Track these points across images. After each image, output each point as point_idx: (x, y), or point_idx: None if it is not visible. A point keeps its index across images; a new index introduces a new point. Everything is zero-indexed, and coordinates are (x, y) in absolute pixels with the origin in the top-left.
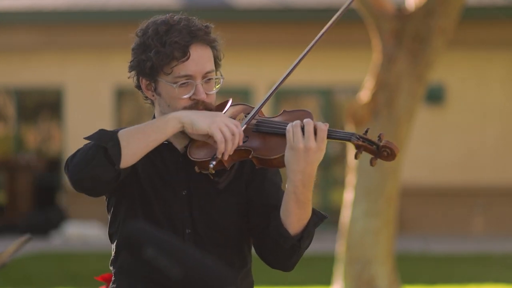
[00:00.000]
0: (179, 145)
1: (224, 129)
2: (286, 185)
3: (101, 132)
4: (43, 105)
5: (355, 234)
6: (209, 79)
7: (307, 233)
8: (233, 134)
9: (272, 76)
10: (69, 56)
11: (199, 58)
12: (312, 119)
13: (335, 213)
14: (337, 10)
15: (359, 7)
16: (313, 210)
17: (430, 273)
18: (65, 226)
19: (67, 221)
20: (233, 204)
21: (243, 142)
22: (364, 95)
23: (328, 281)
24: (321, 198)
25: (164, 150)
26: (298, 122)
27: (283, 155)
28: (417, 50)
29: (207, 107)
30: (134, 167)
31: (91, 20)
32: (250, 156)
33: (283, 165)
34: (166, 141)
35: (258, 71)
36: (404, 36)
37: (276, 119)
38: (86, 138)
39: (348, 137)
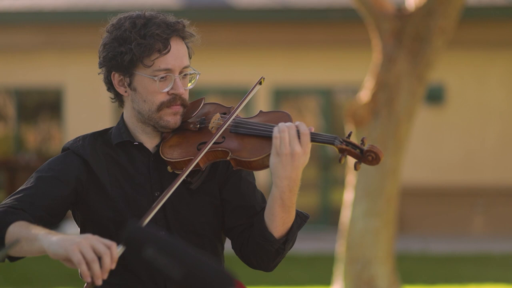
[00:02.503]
0: (149, 144)
1: (85, 250)
2: (272, 190)
3: (2, 214)
4: (43, 105)
5: (355, 234)
6: (186, 74)
7: (291, 235)
8: (99, 256)
9: (272, 76)
10: (69, 56)
11: (177, 52)
12: (291, 121)
13: (335, 213)
14: (337, 10)
15: (359, 7)
16: (296, 212)
17: (430, 273)
18: (65, 226)
19: (67, 221)
20: (207, 204)
21: (220, 143)
22: (364, 95)
23: (328, 281)
24: (321, 198)
25: (133, 150)
26: (284, 127)
27: (263, 158)
28: (417, 50)
29: (184, 103)
30: (92, 177)
31: (91, 20)
32: (228, 158)
33: (262, 168)
34: (136, 141)
35: (258, 71)
36: (404, 36)
37: (252, 120)
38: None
39: (331, 141)
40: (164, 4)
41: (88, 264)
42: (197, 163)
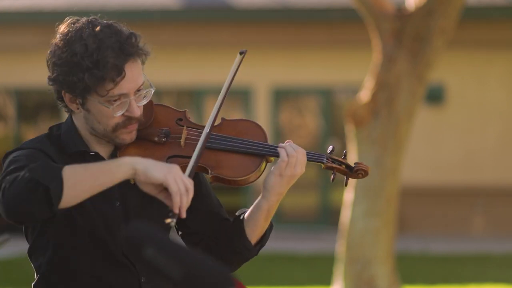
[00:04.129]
0: (104, 153)
1: (179, 182)
2: (260, 203)
3: (45, 165)
4: (43, 105)
5: (355, 234)
6: (141, 92)
7: (265, 241)
8: (186, 190)
9: (272, 76)
10: None
11: (132, 75)
12: (265, 134)
13: (335, 213)
14: (337, 10)
15: (359, 7)
16: None
17: (430, 273)
18: None
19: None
20: (167, 211)
21: (191, 156)
22: (364, 95)
23: (328, 281)
24: (321, 198)
25: (89, 159)
26: (293, 152)
27: (250, 176)
28: (417, 50)
29: (139, 121)
30: None
31: None
32: (208, 175)
33: (244, 184)
34: (92, 151)
35: (258, 71)
36: (404, 36)
37: (221, 131)
38: (29, 170)
39: (320, 159)
40: (164, 4)
41: (180, 195)
42: None
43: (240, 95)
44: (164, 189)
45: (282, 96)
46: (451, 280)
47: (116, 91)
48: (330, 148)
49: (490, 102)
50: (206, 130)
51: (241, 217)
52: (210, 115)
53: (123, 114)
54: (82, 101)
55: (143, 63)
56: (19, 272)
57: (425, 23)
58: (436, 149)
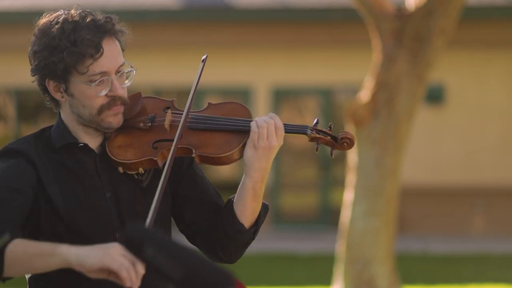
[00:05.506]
0: (93, 144)
1: (119, 259)
2: (244, 181)
3: None
4: (43, 105)
5: (355, 234)
6: (122, 73)
7: (260, 223)
8: (132, 263)
9: (272, 76)
10: None
11: (111, 53)
12: (249, 112)
13: (335, 213)
14: (337, 10)
15: (359, 7)
16: None
17: (430, 273)
18: None
19: None
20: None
21: (179, 139)
22: (364, 95)
23: (328, 281)
24: (321, 198)
25: (78, 152)
26: (263, 123)
27: (233, 152)
28: (417, 50)
29: (124, 101)
30: (41, 185)
31: None
32: (193, 155)
33: (230, 162)
34: (80, 143)
35: (258, 71)
36: (404, 36)
37: (207, 113)
38: None
39: (303, 130)
40: (164, 4)
41: (126, 270)
42: (155, 161)
43: (240, 95)
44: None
45: (282, 96)
46: (451, 280)
47: (96, 68)
48: (315, 120)
49: (490, 102)
50: (185, 111)
51: (231, 200)
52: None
53: (106, 95)
54: (66, 86)
55: (122, 47)
56: None
57: (425, 23)
58: (436, 149)
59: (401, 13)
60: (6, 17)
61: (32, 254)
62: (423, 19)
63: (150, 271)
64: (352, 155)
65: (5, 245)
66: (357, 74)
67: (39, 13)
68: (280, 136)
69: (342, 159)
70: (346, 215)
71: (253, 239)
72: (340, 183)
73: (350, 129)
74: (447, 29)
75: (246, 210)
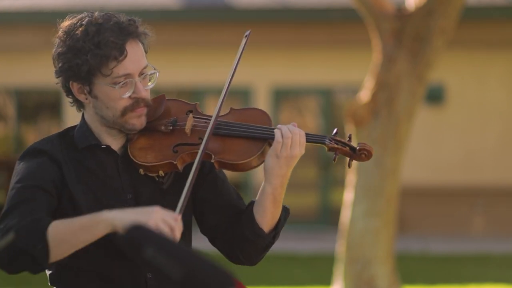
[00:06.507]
0: (115, 146)
1: (162, 226)
2: (264, 187)
3: (31, 228)
4: (43, 105)
5: (355, 234)
6: (145, 75)
7: (280, 228)
8: (171, 229)
9: (272, 76)
10: None
11: (135, 55)
12: (270, 120)
13: (335, 213)
14: (337, 10)
15: (359, 7)
16: None
17: (430, 273)
18: None
19: None
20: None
21: (198, 144)
22: (364, 95)
23: (328, 281)
24: (321, 198)
25: (100, 153)
26: (288, 133)
27: (252, 160)
28: (417, 50)
29: (147, 103)
30: (64, 184)
31: None
32: (212, 160)
33: (248, 169)
34: (103, 144)
35: (258, 71)
36: (404, 36)
37: (228, 119)
38: (16, 232)
39: (322, 140)
40: (164, 4)
41: None
42: (175, 165)
43: (240, 95)
44: None
45: (282, 96)
46: (451, 280)
47: (120, 70)
48: (334, 130)
49: (490, 102)
50: (213, 118)
51: (252, 205)
52: (211, 113)
53: (130, 97)
54: (89, 88)
55: (145, 49)
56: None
57: (425, 23)
58: (436, 149)
59: (401, 13)
60: (6, 17)
61: (76, 229)
62: (423, 19)
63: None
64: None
65: (11, 241)
66: (357, 74)
67: (39, 13)
68: (303, 146)
69: (342, 159)
70: (346, 215)
71: (273, 243)
72: (340, 183)
73: (350, 129)
74: (447, 29)
75: (266, 215)
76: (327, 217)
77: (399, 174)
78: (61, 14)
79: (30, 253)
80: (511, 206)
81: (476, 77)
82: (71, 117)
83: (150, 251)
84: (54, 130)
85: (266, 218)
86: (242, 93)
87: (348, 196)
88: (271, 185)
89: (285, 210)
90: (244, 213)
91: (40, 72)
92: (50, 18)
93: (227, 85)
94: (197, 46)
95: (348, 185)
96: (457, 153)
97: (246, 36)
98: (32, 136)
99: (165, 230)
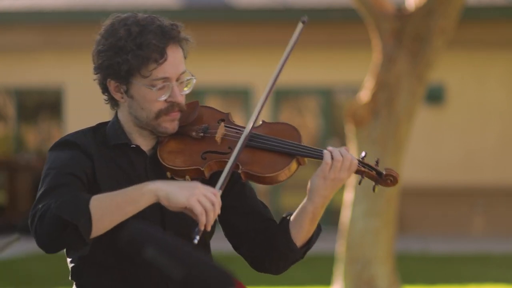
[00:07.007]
0: (145, 147)
1: (203, 200)
2: (305, 205)
3: (73, 199)
4: (43, 105)
5: (355, 234)
6: (182, 80)
7: (312, 244)
8: (212, 204)
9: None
10: (69, 56)
11: (174, 60)
12: (299, 136)
13: (335, 213)
14: (337, 10)
15: (359, 7)
16: None
17: (430, 273)
18: None
19: None
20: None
21: (227, 153)
22: (364, 95)
23: (328, 281)
24: None
25: (130, 152)
26: (339, 156)
27: (278, 174)
28: (417, 50)
29: (181, 108)
30: (93, 177)
31: (91, 20)
32: (239, 170)
33: (274, 183)
34: (133, 144)
35: (258, 71)
36: (404, 36)
37: (259, 131)
38: (58, 207)
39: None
40: (164, 4)
41: (206, 214)
42: (202, 172)
43: (240, 95)
44: None
45: (282, 96)
46: (451, 280)
47: (159, 73)
48: (363, 154)
49: (490, 102)
50: (247, 130)
51: (287, 219)
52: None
53: (165, 100)
54: (126, 88)
55: (185, 54)
56: (20, 272)
57: (425, 23)
58: (436, 149)
59: (401, 13)
60: (6, 17)
61: (119, 201)
62: (423, 19)
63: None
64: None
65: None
66: (357, 74)
67: (39, 13)
68: (352, 171)
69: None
70: (346, 215)
71: (303, 258)
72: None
73: (350, 129)
74: (447, 29)
75: (302, 231)
76: (327, 217)
77: (400, 174)
78: (61, 14)
79: (74, 227)
80: (511, 206)
81: (476, 77)
82: (71, 117)
83: (151, 251)
84: (54, 130)
85: (301, 234)
86: (242, 93)
87: (348, 196)
88: (313, 204)
89: (319, 228)
90: (280, 226)
91: (40, 72)
92: (50, 18)
93: (268, 89)
94: (197, 46)
95: (348, 185)
96: (457, 153)
97: (303, 22)
98: (32, 136)
99: (207, 206)
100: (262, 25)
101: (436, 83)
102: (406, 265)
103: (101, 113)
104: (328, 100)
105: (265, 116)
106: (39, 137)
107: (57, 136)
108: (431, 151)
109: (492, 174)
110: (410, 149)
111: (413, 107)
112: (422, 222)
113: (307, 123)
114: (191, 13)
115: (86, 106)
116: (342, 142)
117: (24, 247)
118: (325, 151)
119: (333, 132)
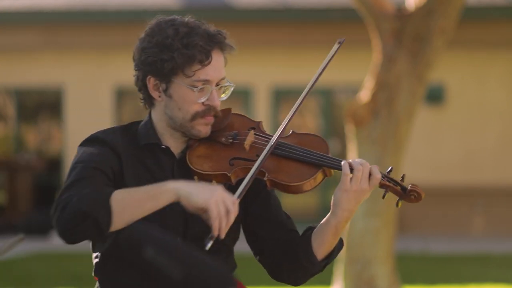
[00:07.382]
0: (175, 149)
1: (221, 206)
2: (328, 219)
3: (95, 192)
4: (43, 105)
5: (355, 234)
6: (221, 86)
7: (332, 259)
8: (228, 212)
9: (272, 76)
10: (69, 56)
11: (217, 64)
12: (328, 147)
13: None
14: (337, 10)
15: (359, 7)
16: None
17: (430, 273)
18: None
19: None
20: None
21: (254, 161)
22: (364, 95)
23: (328, 281)
24: (321, 198)
25: (159, 153)
26: (359, 166)
27: (304, 184)
28: (417, 50)
29: (216, 113)
30: (120, 176)
31: (91, 20)
32: (264, 178)
33: (298, 192)
34: (163, 145)
35: (258, 71)
36: (404, 36)
37: (287, 141)
38: (79, 199)
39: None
40: (164, 4)
41: (220, 219)
42: (229, 177)
43: (240, 95)
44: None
45: (282, 96)
46: (451, 280)
47: (202, 74)
48: (389, 168)
49: (490, 102)
50: (273, 139)
51: (310, 231)
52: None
53: (203, 103)
54: (166, 86)
55: (225, 62)
56: (20, 272)
57: (425, 23)
58: (436, 149)
59: (401, 13)
60: (6, 17)
61: (140, 197)
62: (423, 19)
63: None
64: (352, 155)
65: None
66: (357, 74)
67: (39, 13)
68: (374, 184)
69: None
70: None
71: (322, 271)
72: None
73: (350, 129)
74: (447, 29)
75: (324, 245)
76: None
77: (399, 174)
78: (61, 14)
79: (94, 218)
80: (511, 206)
81: (476, 77)
82: (71, 117)
83: (151, 251)
84: (54, 130)
85: (323, 247)
86: (242, 93)
87: None
88: (336, 218)
89: (341, 243)
90: (302, 238)
91: (40, 72)
92: (50, 18)
93: (301, 99)
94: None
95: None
96: (457, 153)
97: (339, 43)
98: (32, 136)
99: (222, 211)
100: (262, 25)
101: (436, 83)
102: (406, 265)
103: (101, 112)
104: (328, 100)
105: (265, 116)
106: (39, 137)
107: (57, 136)
108: (431, 151)
109: (492, 174)
110: (410, 149)
111: (413, 107)
112: (422, 222)
113: (307, 123)
114: (191, 13)
115: (86, 106)
116: (342, 142)
117: (24, 247)
118: (343, 162)
119: (333, 132)
